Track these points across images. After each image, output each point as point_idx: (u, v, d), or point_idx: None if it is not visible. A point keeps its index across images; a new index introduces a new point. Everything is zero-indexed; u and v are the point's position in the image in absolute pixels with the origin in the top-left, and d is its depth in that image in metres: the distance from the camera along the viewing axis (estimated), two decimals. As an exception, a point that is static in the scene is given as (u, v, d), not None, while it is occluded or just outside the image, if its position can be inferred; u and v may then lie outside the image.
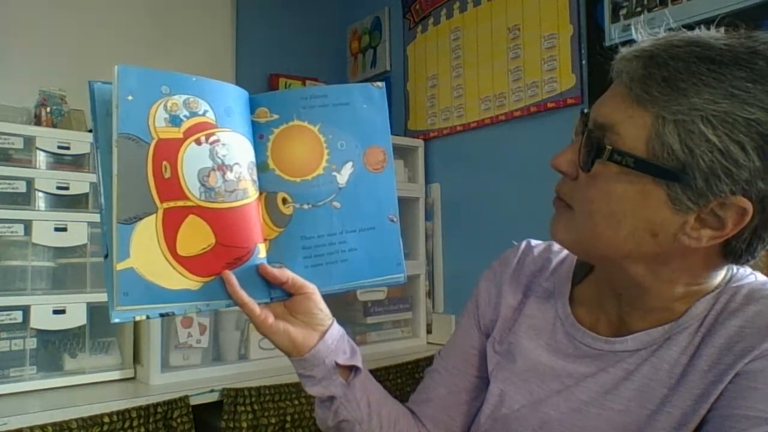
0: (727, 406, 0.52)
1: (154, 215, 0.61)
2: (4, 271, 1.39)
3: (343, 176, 0.70)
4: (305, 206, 0.69)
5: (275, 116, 0.70)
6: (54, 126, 1.62)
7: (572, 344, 0.65)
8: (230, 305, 0.65)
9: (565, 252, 0.75)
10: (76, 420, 1.22)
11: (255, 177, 0.68)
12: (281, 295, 0.69)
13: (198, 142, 0.64)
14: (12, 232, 1.38)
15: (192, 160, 0.63)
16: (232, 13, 2.35)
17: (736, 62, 0.50)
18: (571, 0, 1.73)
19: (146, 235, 0.60)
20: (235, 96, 0.68)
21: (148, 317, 0.61)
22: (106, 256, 0.60)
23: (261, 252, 0.67)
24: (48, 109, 1.66)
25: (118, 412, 1.28)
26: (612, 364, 0.61)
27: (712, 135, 0.50)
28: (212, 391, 1.44)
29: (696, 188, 0.51)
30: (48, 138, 1.45)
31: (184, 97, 0.64)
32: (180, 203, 0.62)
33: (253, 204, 0.67)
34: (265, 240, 0.68)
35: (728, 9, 1.41)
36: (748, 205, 0.51)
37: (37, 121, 1.65)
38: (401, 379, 1.76)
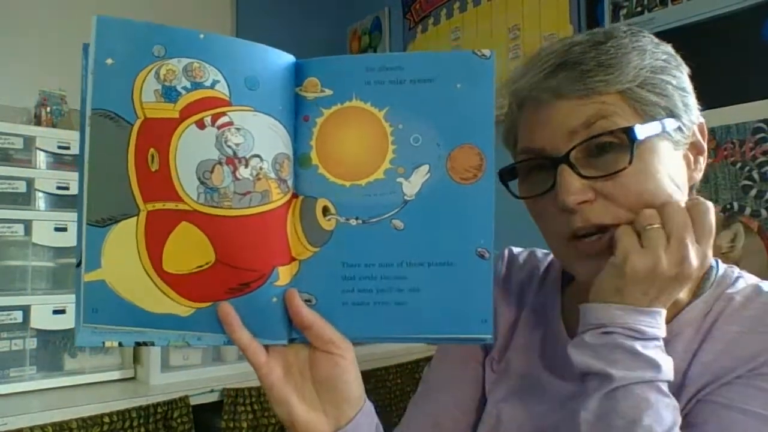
0: (725, 398, 0.51)
1: (134, 218, 0.49)
2: (4, 271, 1.39)
3: (412, 185, 0.51)
4: (352, 221, 0.52)
5: (327, 91, 0.52)
6: (54, 126, 1.63)
7: (569, 362, 0.62)
8: (229, 343, 0.51)
9: (549, 259, 0.72)
10: (76, 420, 1.22)
11: (286, 175, 0.52)
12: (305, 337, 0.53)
13: (200, 124, 0.49)
14: (12, 232, 1.38)
15: (190, 148, 0.49)
16: (232, 13, 2.35)
17: (620, 36, 0.57)
18: (571, 0, 1.73)
19: (123, 242, 0.49)
20: (266, 61, 0.51)
21: (120, 344, 0.49)
22: (78, 264, 0.49)
23: (281, 277, 0.52)
24: (48, 109, 1.66)
25: (118, 412, 1.27)
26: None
27: (668, 77, 0.56)
28: (212, 391, 1.44)
29: (684, 124, 0.57)
30: (48, 138, 1.45)
31: (186, 61, 0.49)
32: (170, 205, 0.49)
33: (278, 212, 0.51)
34: (293, 260, 0.52)
35: (728, 9, 1.41)
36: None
37: (37, 121, 1.65)
38: (401, 379, 1.76)
